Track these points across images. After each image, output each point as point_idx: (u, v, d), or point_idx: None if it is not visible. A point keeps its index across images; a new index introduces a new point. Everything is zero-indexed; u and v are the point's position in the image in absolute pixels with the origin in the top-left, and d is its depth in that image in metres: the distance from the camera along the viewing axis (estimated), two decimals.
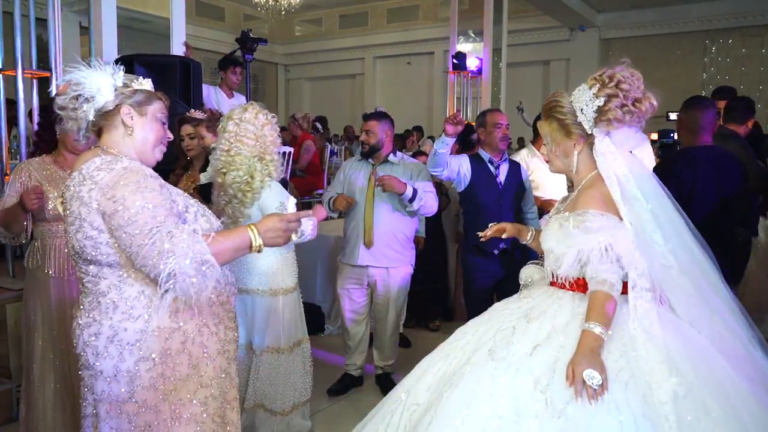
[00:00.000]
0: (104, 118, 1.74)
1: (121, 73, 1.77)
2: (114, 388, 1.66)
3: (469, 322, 2.07)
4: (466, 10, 10.29)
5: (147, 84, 1.82)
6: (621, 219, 1.81)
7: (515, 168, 3.71)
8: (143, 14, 5.58)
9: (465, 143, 4.87)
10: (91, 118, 1.72)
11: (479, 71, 8.84)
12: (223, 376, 1.83)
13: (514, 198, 3.68)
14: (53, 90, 4.12)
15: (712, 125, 3.20)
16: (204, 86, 5.11)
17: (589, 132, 1.88)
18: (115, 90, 1.73)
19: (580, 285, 1.86)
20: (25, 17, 4.04)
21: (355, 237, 3.63)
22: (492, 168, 3.59)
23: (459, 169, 3.52)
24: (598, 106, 1.83)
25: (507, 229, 2.29)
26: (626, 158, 1.86)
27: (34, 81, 4.18)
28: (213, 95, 5.22)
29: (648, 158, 4.02)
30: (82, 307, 1.71)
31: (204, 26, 13.27)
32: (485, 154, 3.62)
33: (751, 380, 1.71)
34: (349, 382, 3.82)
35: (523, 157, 4.37)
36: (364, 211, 3.58)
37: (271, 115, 2.84)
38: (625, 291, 1.80)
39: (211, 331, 1.77)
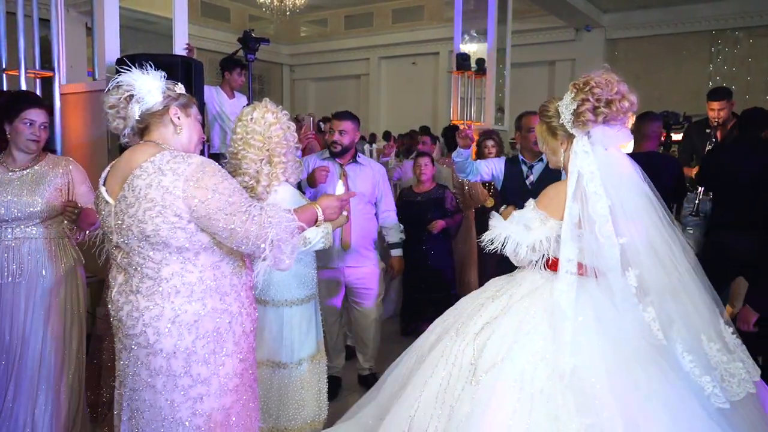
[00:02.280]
0: (153, 117, 1.95)
1: (164, 77, 1.99)
2: (172, 364, 1.87)
3: (471, 293, 2.42)
4: (471, 10, 10.25)
5: (182, 88, 2.05)
6: (560, 215, 2.05)
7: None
8: (146, 14, 5.61)
9: (451, 144, 5.05)
10: (137, 116, 1.93)
11: (483, 71, 8.79)
12: (252, 350, 2.11)
13: None
14: (56, 93, 4.15)
15: (657, 135, 3.95)
16: (205, 87, 5.12)
17: (570, 132, 2.11)
18: (163, 93, 1.95)
19: (553, 264, 2.11)
20: (28, 17, 4.06)
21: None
22: (525, 168, 3.65)
23: (492, 172, 3.71)
24: (573, 109, 2.06)
25: None
26: (600, 155, 2.05)
27: (38, 81, 4.21)
28: (214, 96, 5.24)
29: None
30: (138, 292, 1.87)
31: (209, 27, 13.30)
32: (521, 156, 3.75)
33: (669, 383, 1.89)
34: (336, 384, 3.85)
35: None
36: None
37: (283, 112, 2.68)
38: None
39: (248, 311, 2.03)
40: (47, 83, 4.20)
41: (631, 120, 2.16)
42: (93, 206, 2.70)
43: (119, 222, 1.87)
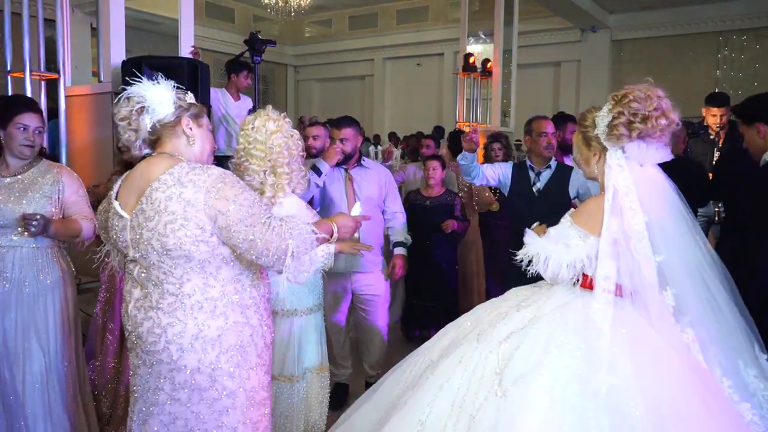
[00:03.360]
0: (165, 128, 1.92)
1: (174, 88, 1.96)
2: (197, 378, 1.85)
3: (489, 300, 2.35)
4: (476, 11, 10.23)
5: (192, 98, 2.02)
6: (598, 231, 1.99)
7: (563, 174, 3.65)
8: (152, 15, 5.58)
9: (455, 149, 4.98)
10: (149, 128, 1.90)
11: (489, 73, 8.76)
12: (273, 363, 2.11)
13: (556, 204, 3.60)
14: (62, 95, 4.12)
15: (684, 139, 3.92)
16: (210, 89, 5.10)
17: (604, 145, 2.04)
18: (174, 103, 1.92)
19: (584, 282, 2.05)
20: (33, 18, 4.03)
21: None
22: (532, 175, 3.59)
23: (499, 177, 3.64)
24: (608, 122, 2.00)
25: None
26: (635, 171, 1.99)
27: (42, 83, 4.18)
28: (220, 98, 5.19)
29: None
30: (159, 308, 1.84)
31: (213, 27, 13.29)
32: (529, 162, 3.67)
33: (707, 407, 1.80)
34: (343, 391, 3.81)
35: None
36: None
37: (285, 120, 2.55)
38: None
39: (267, 324, 2.02)
40: (53, 85, 4.17)
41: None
42: (83, 217, 2.68)
43: (137, 236, 1.83)
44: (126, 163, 3.10)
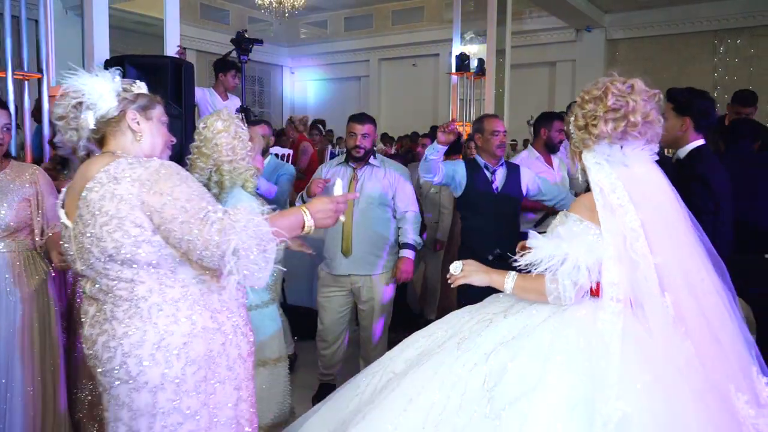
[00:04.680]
0: (108, 125, 1.72)
1: (119, 77, 1.76)
2: (159, 398, 1.61)
3: (466, 307, 2.11)
4: (471, 11, 10.21)
5: (143, 87, 1.81)
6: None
7: (514, 172, 3.62)
8: (144, 17, 5.55)
9: (452, 147, 4.78)
10: (92, 126, 1.71)
11: (483, 73, 8.72)
12: (250, 378, 1.84)
13: (513, 203, 3.60)
14: (45, 95, 4.07)
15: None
16: (197, 88, 5.05)
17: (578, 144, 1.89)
18: (118, 95, 1.72)
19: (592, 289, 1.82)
20: (18, 17, 3.99)
21: (335, 245, 3.54)
22: (488, 174, 3.53)
23: (454, 175, 3.50)
24: (572, 123, 1.86)
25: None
26: (620, 171, 1.80)
27: (26, 83, 4.13)
28: (207, 97, 5.16)
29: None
30: (113, 318, 1.62)
31: (208, 29, 13.26)
32: (481, 160, 3.56)
33: (709, 414, 1.63)
34: (327, 392, 3.73)
35: (523, 158, 4.32)
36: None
37: (236, 122, 2.59)
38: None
39: (243, 332, 1.78)
40: (36, 85, 4.12)
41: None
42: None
43: (80, 245, 1.65)
44: (61, 159, 3.06)
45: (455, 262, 2.08)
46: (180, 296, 1.65)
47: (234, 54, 4.78)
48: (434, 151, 3.27)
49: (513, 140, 10.73)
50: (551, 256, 1.77)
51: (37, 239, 2.62)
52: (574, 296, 1.78)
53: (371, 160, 3.57)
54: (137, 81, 1.80)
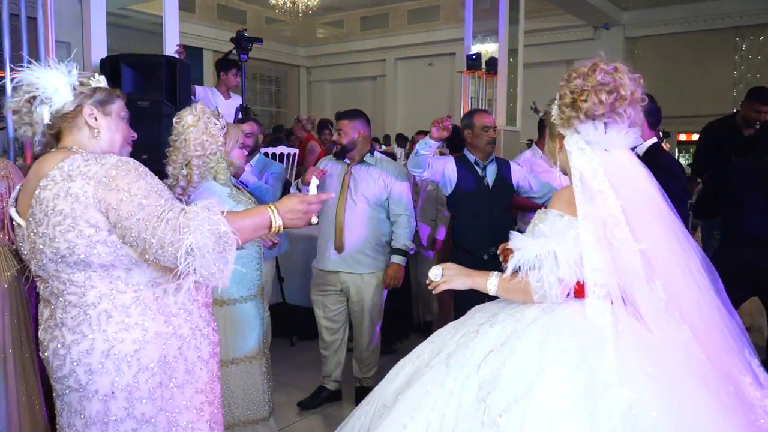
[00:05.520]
0: (63, 120, 1.67)
1: (75, 70, 1.69)
2: (111, 407, 1.57)
3: (449, 323, 2.04)
4: (485, 9, 10.09)
5: (103, 81, 1.75)
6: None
7: (505, 167, 3.54)
8: (152, 16, 5.55)
9: (454, 144, 4.68)
10: (47, 121, 1.65)
11: (495, 71, 8.62)
12: (215, 379, 1.80)
13: (506, 199, 3.52)
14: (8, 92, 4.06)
15: None
16: (199, 87, 5.08)
17: (560, 131, 1.85)
18: (74, 89, 1.66)
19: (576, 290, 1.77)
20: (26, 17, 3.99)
21: (327, 240, 3.50)
22: (479, 170, 3.45)
23: (443, 171, 3.41)
24: (557, 104, 1.82)
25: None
26: (600, 156, 1.76)
27: None
28: (209, 96, 5.16)
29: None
30: (63, 324, 1.59)
31: (225, 29, 13.30)
32: (471, 156, 3.48)
33: (717, 399, 1.55)
34: (325, 396, 3.68)
35: (527, 158, 4.26)
36: (335, 213, 3.45)
37: (207, 116, 2.58)
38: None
39: (203, 334, 1.73)
40: None
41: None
42: None
43: (32, 245, 1.60)
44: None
45: (434, 267, 2.02)
46: (131, 301, 1.60)
47: (234, 53, 4.77)
48: (426, 146, 3.19)
49: (529, 140, 10.58)
50: (538, 254, 1.72)
51: (9, 236, 2.57)
52: (560, 293, 1.73)
53: (366, 158, 3.51)
54: (96, 74, 1.75)
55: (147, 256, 1.53)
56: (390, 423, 1.72)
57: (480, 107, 8.90)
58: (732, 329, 1.74)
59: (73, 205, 1.53)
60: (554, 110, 1.83)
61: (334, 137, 3.56)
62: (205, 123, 2.56)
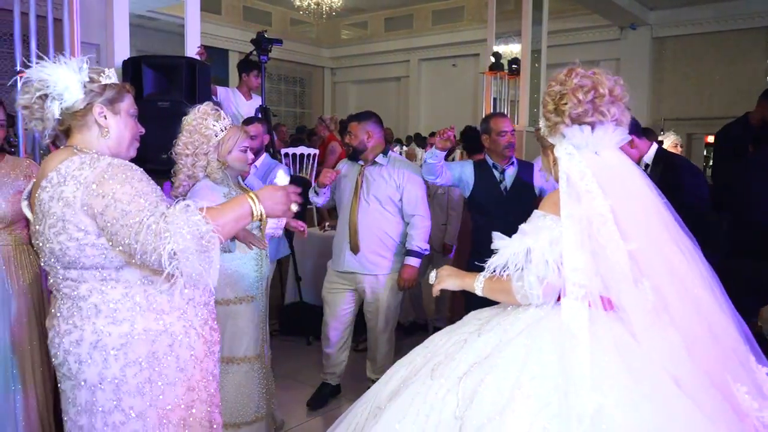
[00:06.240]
0: (74, 118, 1.68)
1: (86, 65, 1.70)
2: (98, 397, 1.61)
3: (447, 327, 2.03)
4: (510, 10, 10.02)
5: (113, 76, 1.76)
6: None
7: (526, 170, 3.52)
8: (165, 15, 5.61)
9: (475, 147, 4.70)
10: (57, 116, 1.66)
11: (517, 72, 8.57)
12: (210, 378, 1.81)
13: (525, 202, 3.49)
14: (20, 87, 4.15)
15: None
16: (221, 88, 5.14)
17: (549, 141, 1.83)
18: (84, 87, 1.67)
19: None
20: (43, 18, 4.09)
21: (342, 241, 3.52)
22: (497, 173, 3.45)
23: (461, 175, 3.45)
24: (542, 113, 1.82)
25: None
26: (589, 159, 1.74)
27: None
28: (231, 96, 5.23)
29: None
30: (59, 314, 1.65)
31: (251, 30, 13.38)
32: (490, 160, 3.52)
33: (698, 406, 1.51)
34: (328, 392, 3.71)
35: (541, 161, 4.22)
36: (350, 214, 3.46)
37: (203, 117, 2.61)
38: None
39: (198, 333, 1.74)
40: None
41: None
42: None
43: (37, 241, 1.66)
44: None
45: (433, 270, 2.07)
46: (120, 297, 1.63)
47: (255, 54, 4.81)
48: (433, 156, 3.27)
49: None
50: (515, 253, 1.72)
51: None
52: (542, 293, 1.70)
53: (378, 158, 3.52)
54: (106, 69, 1.76)
55: (134, 260, 1.55)
56: (380, 429, 1.74)
57: (501, 109, 8.86)
58: (732, 335, 1.67)
59: (64, 209, 1.56)
60: (541, 122, 1.84)
61: (346, 139, 3.60)
62: (198, 123, 2.60)
